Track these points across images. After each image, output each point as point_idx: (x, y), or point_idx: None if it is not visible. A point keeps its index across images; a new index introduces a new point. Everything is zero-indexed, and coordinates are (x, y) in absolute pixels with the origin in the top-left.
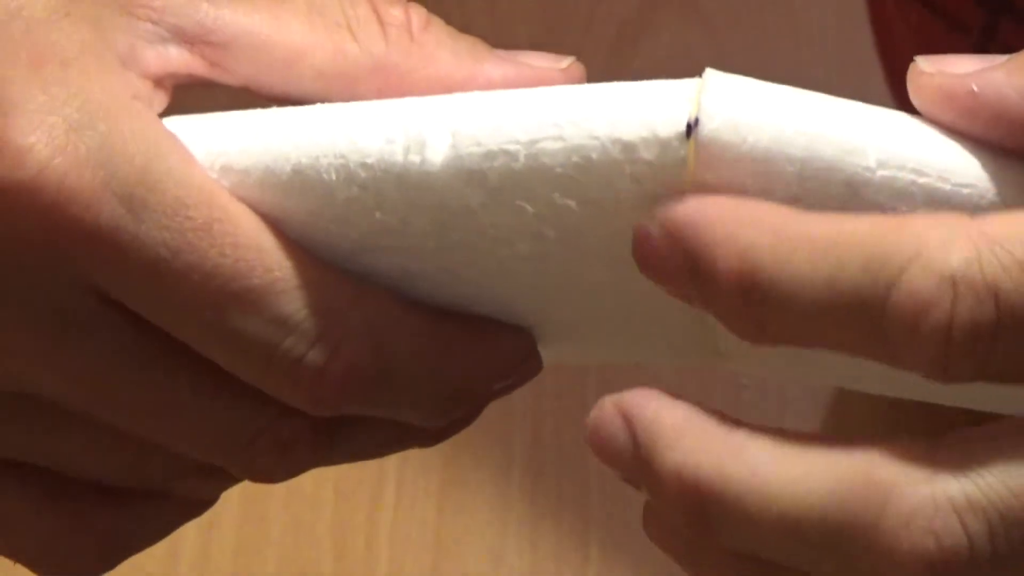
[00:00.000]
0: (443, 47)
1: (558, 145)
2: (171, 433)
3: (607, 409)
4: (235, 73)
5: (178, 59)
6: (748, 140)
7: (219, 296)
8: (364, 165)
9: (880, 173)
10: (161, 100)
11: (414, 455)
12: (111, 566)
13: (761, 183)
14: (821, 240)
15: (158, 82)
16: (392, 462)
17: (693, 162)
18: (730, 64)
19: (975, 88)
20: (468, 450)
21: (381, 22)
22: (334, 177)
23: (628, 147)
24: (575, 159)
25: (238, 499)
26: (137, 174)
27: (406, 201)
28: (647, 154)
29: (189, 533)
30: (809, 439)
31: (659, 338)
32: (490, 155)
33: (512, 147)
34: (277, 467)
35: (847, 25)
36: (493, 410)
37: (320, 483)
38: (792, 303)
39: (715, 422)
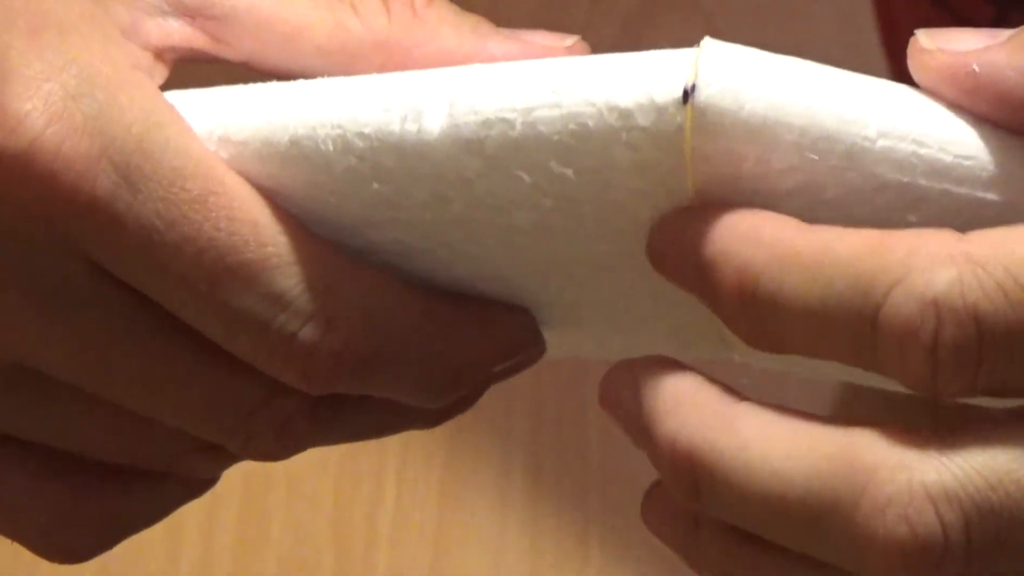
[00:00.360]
0: (446, 23)
1: (555, 112)
2: (168, 408)
3: (619, 370)
4: (236, 48)
5: (179, 32)
6: (746, 107)
7: (213, 270)
8: (361, 135)
9: (880, 143)
10: (161, 73)
11: (414, 454)
12: (110, 546)
13: (759, 151)
14: (813, 258)
15: (159, 55)
16: (392, 462)
17: (689, 129)
18: None
19: (976, 68)
20: (468, 449)
21: None
22: (331, 148)
23: (624, 113)
24: (572, 126)
25: (238, 498)
26: (134, 143)
27: (403, 171)
28: (643, 120)
29: (189, 532)
30: (806, 417)
31: (663, 322)
32: (487, 123)
33: (509, 115)
34: (275, 444)
35: (849, 23)
36: (493, 409)
37: (320, 482)
38: (788, 317)
39: (715, 394)
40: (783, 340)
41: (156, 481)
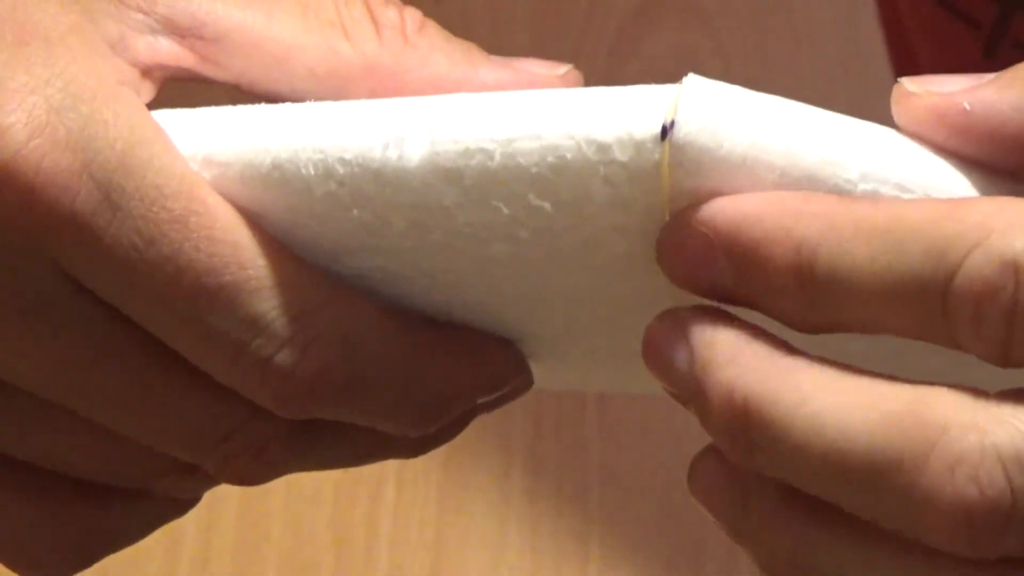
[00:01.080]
0: (437, 50)
1: (534, 144)
2: (144, 428)
3: (666, 321)
4: (226, 69)
5: (168, 51)
6: (725, 145)
7: (191, 291)
8: (342, 160)
9: (862, 187)
10: (149, 91)
11: None
12: (88, 564)
13: (738, 191)
14: (879, 227)
15: (146, 73)
16: (392, 462)
17: (668, 166)
18: (730, 64)
19: (967, 106)
20: (468, 450)
21: (375, 23)
22: (312, 172)
23: (603, 147)
24: (550, 159)
25: (238, 499)
26: (117, 159)
27: (383, 198)
28: (621, 155)
29: (189, 533)
30: (869, 374)
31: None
32: (467, 153)
33: (489, 145)
34: (251, 468)
35: (848, 25)
36: (493, 411)
37: (320, 482)
38: (851, 291)
39: (773, 345)
40: (841, 317)
41: (135, 500)
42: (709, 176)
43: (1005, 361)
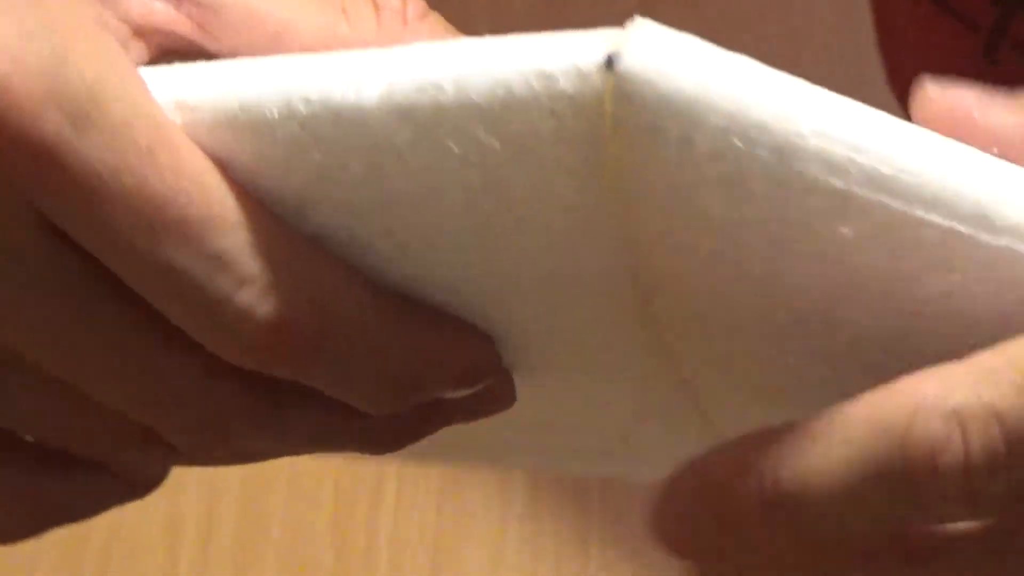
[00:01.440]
0: (436, 38)
1: (485, 79)
2: (106, 383)
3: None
4: (222, 39)
5: (163, 13)
6: (672, 83)
7: (154, 223)
8: (306, 100)
9: (813, 142)
10: (140, 51)
11: None
12: (33, 534)
13: (682, 129)
14: (819, 431)
15: (139, 32)
16: (392, 461)
17: (611, 97)
18: None
19: (976, 115)
20: None
21: (375, 5)
22: (276, 115)
23: (549, 78)
24: (499, 92)
25: (237, 498)
26: (86, 91)
27: (342, 141)
28: (567, 85)
29: (189, 532)
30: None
31: (625, 371)
32: (420, 88)
33: (442, 80)
34: (211, 443)
35: (847, 25)
36: None
37: (320, 482)
38: (819, 499)
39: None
40: (822, 532)
41: (96, 473)
42: (653, 111)
43: (976, 512)
